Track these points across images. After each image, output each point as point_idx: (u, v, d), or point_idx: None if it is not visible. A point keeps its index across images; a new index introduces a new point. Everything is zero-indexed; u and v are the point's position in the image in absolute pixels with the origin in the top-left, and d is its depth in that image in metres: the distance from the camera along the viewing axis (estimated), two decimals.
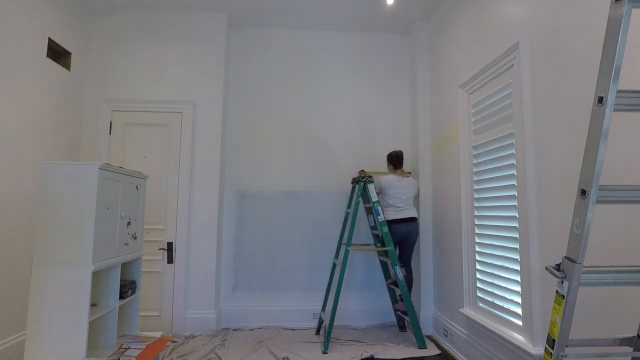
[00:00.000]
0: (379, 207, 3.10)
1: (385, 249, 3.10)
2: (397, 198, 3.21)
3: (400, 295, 3.14)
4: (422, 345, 2.96)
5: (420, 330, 3.01)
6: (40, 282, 1.95)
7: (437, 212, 3.40)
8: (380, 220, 3.09)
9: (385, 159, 3.80)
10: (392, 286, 3.33)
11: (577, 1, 1.76)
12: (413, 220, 3.22)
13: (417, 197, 3.41)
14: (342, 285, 3.63)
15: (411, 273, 3.30)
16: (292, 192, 3.70)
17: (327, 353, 2.86)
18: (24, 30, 2.69)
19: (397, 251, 3.23)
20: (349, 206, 3.43)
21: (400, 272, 3.00)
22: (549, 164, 1.93)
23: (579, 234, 1.00)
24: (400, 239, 3.21)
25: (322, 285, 3.61)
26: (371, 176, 3.20)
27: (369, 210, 3.48)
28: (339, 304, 3.58)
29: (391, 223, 3.17)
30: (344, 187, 3.71)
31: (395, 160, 3.37)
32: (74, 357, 1.91)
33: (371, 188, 3.15)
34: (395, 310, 3.37)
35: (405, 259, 3.24)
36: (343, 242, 3.35)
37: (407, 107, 3.87)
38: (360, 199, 3.26)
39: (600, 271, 1.04)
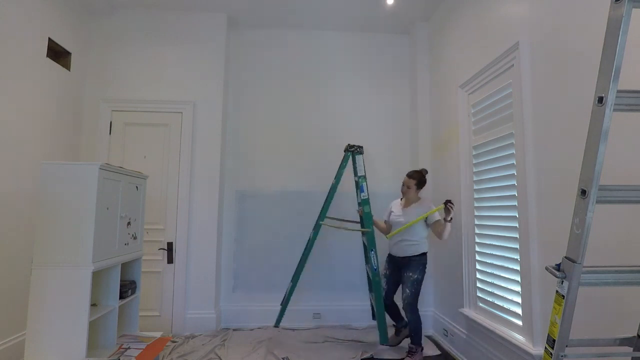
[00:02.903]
0: (365, 183, 2.85)
1: (364, 229, 2.84)
2: None
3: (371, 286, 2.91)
4: (384, 341, 2.82)
5: (385, 325, 2.83)
6: (40, 282, 1.95)
7: None
8: (363, 198, 2.82)
9: (385, 158, 3.80)
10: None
11: (577, 1, 1.76)
12: None
13: None
14: (341, 284, 3.64)
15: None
16: (292, 192, 3.70)
17: (278, 327, 2.95)
18: (24, 30, 2.69)
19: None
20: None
21: (373, 258, 2.80)
22: (549, 164, 1.93)
23: (579, 234, 1.00)
24: None
25: (323, 285, 3.60)
26: (361, 147, 2.99)
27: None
28: (339, 303, 3.58)
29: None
30: (343, 186, 3.70)
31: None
32: (74, 357, 1.91)
33: (359, 160, 2.87)
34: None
35: None
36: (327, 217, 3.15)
37: (407, 107, 3.87)
38: (347, 174, 3.04)
39: (600, 271, 1.04)
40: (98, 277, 2.24)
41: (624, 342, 1.13)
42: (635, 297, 1.43)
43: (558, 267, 1.05)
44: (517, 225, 2.17)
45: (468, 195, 2.79)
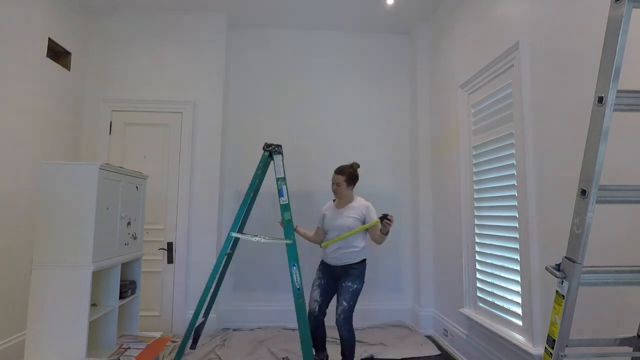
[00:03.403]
0: (284, 186, 2.41)
1: (283, 241, 2.37)
2: None
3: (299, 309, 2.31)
4: None
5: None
6: (40, 282, 1.95)
7: (437, 212, 3.40)
8: (282, 203, 2.40)
9: (385, 158, 3.80)
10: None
11: (577, 1, 1.76)
12: None
13: None
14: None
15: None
16: (292, 192, 3.67)
17: None
18: (24, 30, 2.69)
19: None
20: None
21: (295, 275, 2.31)
22: (549, 164, 1.93)
23: (579, 234, 1.00)
24: None
25: None
26: (279, 146, 2.52)
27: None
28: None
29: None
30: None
31: (357, 178, 2.64)
32: (74, 357, 1.90)
33: (278, 160, 2.47)
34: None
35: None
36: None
37: (407, 107, 3.87)
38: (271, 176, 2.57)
39: (600, 271, 1.04)
40: (98, 277, 2.24)
41: (624, 342, 1.13)
42: (635, 297, 1.43)
43: (558, 267, 1.05)
44: (517, 225, 2.17)
45: (468, 195, 2.79)
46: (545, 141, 1.96)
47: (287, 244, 2.36)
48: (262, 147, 2.57)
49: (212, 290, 2.59)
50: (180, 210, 3.36)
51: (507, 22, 2.32)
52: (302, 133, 3.75)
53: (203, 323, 2.60)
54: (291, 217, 2.43)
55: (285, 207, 2.41)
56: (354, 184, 2.61)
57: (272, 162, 2.54)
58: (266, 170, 2.66)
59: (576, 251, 1.00)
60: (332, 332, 3.27)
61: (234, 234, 2.47)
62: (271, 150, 2.52)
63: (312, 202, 3.68)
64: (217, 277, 2.62)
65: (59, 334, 1.92)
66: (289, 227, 2.40)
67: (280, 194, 2.43)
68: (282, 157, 2.53)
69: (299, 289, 2.31)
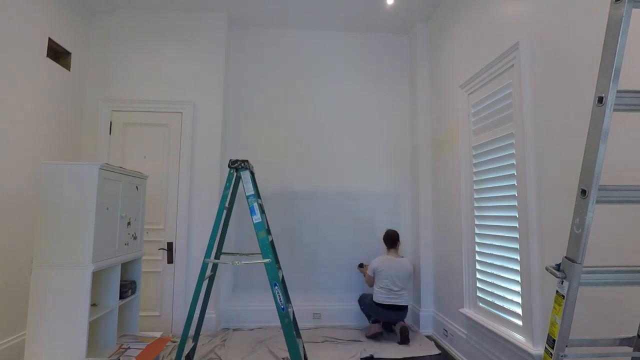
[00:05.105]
0: (255, 204, 2.30)
1: (261, 261, 2.24)
2: (390, 279, 3.13)
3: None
4: None
5: None
6: (40, 282, 1.95)
7: (437, 212, 3.40)
8: (255, 222, 2.28)
9: (385, 159, 3.81)
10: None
11: (577, 1, 1.76)
12: (404, 308, 3.18)
13: (410, 280, 3.34)
14: (341, 284, 3.63)
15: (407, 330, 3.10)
16: (292, 192, 3.70)
17: None
18: (24, 30, 2.69)
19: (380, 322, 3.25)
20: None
21: (277, 295, 2.18)
22: (549, 163, 1.93)
23: (579, 234, 1.00)
24: (385, 321, 3.22)
25: (322, 285, 3.61)
26: (246, 161, 2.39)
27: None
28: (339, 303, 3.58)
29: (379, 306, 3.15)
30: (343, 187, 3.72)
31: (385, 240, 3.35)
32: (74, 357, 1.91)
33: (246, 176, 2.36)
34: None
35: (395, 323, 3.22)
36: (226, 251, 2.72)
37: (407, 107, 3.87)
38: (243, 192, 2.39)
39: (600, 271, 1.04)
40: (98, 277, 2.24)
41: (624, 342, 1.13)
42: (635, 297, 1.43)
43: (558, 267, 1.05)
44: (517, 225, 2.17)
45: (468, 196, 2.79)
46: (545, 141, 1.96)
47: (265, 264, 2.21)
48: (227, 164, 2.43)
49: (197, 314, 2.54)
50: (180, 210, 3.36)
51: (507, 22, 2.32)
52: (303, 133, 3.76)
53: (193, 348, 2.48)
54: (266, 235, 2.29)
55: (260, 226, 2.26)
56: (386, 245, 3.36)
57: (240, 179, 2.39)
58: (236, 187, 2.62)
59: (576, 251, 1.00)
60: (329, 332, 3.28)
61: (208, 261, 2.33)
62: (237, 167, 2.38)
63: (313, 202, 3.69)
64: (201, 301, 2.55)
65: (59, 334, 1.92)
66: (265, 246, 2.25)
67: (252, 212, 2.28)
68: (252, 173, 2.42)
69: (283, 308, 2.15)
